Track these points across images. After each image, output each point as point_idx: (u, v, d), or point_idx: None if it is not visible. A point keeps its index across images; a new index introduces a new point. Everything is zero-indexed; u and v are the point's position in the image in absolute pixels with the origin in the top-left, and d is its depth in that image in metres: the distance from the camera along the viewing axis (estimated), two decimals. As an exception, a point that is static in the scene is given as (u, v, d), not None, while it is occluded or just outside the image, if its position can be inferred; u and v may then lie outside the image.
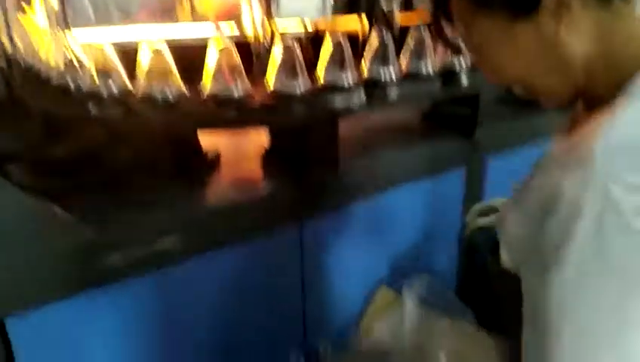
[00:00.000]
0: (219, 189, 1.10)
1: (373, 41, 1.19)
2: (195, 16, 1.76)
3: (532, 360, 0.49)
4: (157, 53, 1.00)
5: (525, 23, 0.55)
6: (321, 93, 1.08)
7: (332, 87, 1.10)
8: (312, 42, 1.35)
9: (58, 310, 0.84)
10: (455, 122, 1.47)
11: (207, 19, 1.37)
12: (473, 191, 1.52)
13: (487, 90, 1.39)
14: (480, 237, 1.41)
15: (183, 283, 0.99)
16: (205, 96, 1.02)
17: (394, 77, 1.18)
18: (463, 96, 1.37)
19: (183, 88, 1.02)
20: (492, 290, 1.28)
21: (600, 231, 0.42)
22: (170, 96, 1.00)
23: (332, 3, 1.63)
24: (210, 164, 1.18)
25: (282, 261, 1.14)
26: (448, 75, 1.31)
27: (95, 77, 1.04)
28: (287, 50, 1.04)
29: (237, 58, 1.02)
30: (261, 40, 1.43)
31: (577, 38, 0.55)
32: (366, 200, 1.25)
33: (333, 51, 1.10)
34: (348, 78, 1.11)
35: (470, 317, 1.19)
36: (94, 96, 1.03)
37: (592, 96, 0.57)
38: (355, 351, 1.18)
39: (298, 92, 1.04)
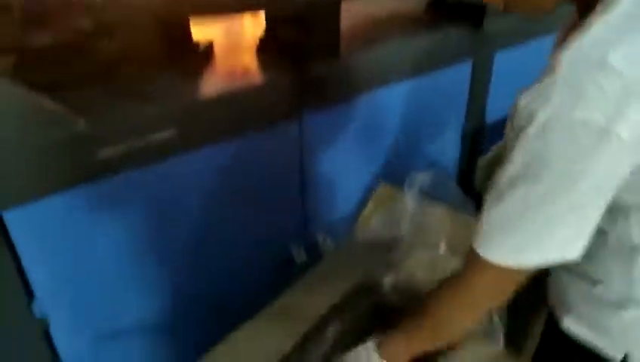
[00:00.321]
0: (213, 80, 1.03)
1: None
2: None
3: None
4: None
5: None
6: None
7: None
8: None
9: (54, 203, 0.82)
10: (462, 11, 1.37)
11: None
12: (479, 85, 1.47)
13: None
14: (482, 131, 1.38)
15: (179, 177, 0.96)
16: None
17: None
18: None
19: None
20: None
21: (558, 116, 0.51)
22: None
23: None
24: (204, 54, 1.10)
25: (281, 155, 1.11)
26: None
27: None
28: None
29: None
30: None
31: None
32: (368, 94, 1.19)
33: None
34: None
35: (472, 208, 1.19)
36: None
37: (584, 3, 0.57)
38: (353, 242, 1.19)
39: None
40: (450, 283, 0.68)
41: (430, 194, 1.17)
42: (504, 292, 0.64)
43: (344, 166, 1.25)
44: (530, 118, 0.52)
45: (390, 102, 1.25)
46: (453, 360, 0.82)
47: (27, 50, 0.97)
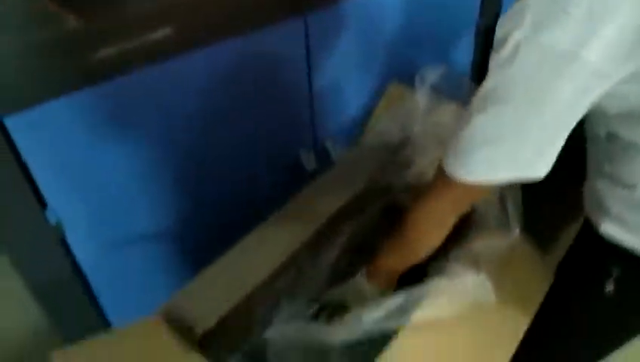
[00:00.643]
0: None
1: None
2: None
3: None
4: None
5: None
6: None
7: None
8: None
9: (55, 108, 0.80)
10: None
11: None
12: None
13: None
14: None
15: (182, 79, 0.92)
16: None
17: None
18: None
19: None
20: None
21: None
22: None
23: None
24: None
25: (286, 55, 1.06)
26: None
27: None
28: None
29: None
30: None
31: None
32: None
33: None
34: None
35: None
36: None
37: None
38: (364, 145, 1.16)
39: None
40: (419, 202, 0.72)
41: (442, 91, 1.12)
42: (467, 206, 0.72)
43: (353, 66, 1.19)
44: (503, 41, 0.55)
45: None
46: (465, 252, 0.82)
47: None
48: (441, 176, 0.64)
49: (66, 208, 0.89)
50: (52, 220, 0.88)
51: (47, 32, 0.76)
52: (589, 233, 0.75)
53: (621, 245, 0.71)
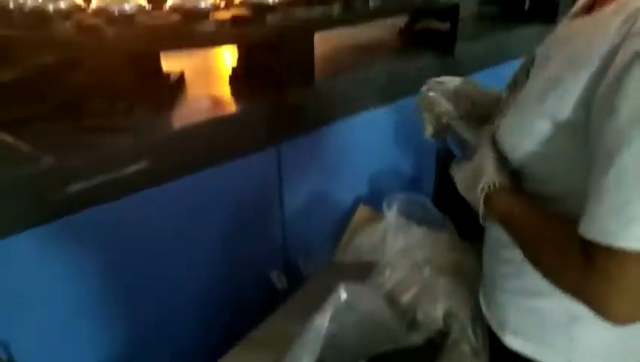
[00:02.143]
0: (185, 111, 1.01)
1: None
2: None
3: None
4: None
5: None
6: (296, 3, 1.00)
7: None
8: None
9: (19, 242, 0.79)
10: (432, 38, 1.41)
11: None
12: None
13: (465, 3, 1.33)
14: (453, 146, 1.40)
15: (154, 209, 0.93)
16: (169, 8, 0.92)
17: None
18: (442, 7, 1.30)
19: (143, 1, 0.92)
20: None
21: None
22: (128, 9, 0.90)
23: None
24: (174, 85, 1.09)
25: (260, 182, 1.10)
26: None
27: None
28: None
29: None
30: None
31: None
32: (344, 119, 1.20)
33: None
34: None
35: (448, 225, 1.20)
36: (39, 13, 0.91)
37: None
38: (334, 265, 1.18)
39: (271, 2, 0.96)
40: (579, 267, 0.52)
41: (408, 215, 1.18)
42: None
43: (323, 190, 1.24)
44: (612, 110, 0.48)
45: (366, 126, 1.26)
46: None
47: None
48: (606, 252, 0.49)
49: (19, 343, 0.84)
50: (2, 356, 0.83)
51: (15, 171, 0.77)
52: (496, 342, 0.74)
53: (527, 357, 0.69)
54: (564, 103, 0.55)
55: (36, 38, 0.90)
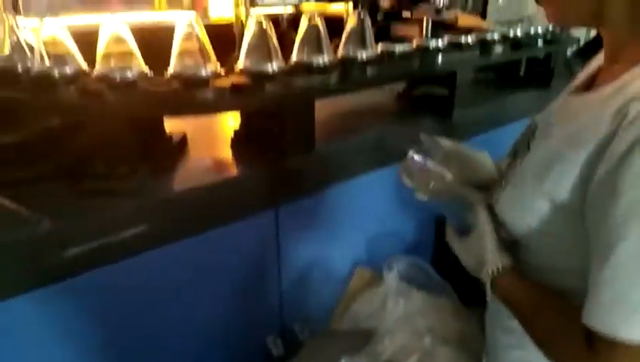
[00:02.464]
0: (186, 174, 1.02)
1: (352, 22, 1.14)
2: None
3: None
4: (115, 35, 0.92)
5: None
6: (296, 72, 1.03)
7: (307, 67, 1.05)
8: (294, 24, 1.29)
9: (17, 305, 0.77)
10: (430, 103, 1.44)
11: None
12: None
13: (462, 70, 1.36)
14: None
15: (153, 271, 0.92)
16: (170, 76, 0.94)
17: (370, 57, 1.13)
18: (440, 74, 1.33)
19: (145, 68, 0.94)
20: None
21: None
22: (130, 76, 0.92)
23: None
24: (176, 147, 1.10)
25: (258, 245, 1.09)
26: (424, 54, 1.28)
27: (46, 59, 0.95)
28: (260, 30, 0.98)
29: (204, 38, 0.95)
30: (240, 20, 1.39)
31: None
32: (343, 183, 1.20)
33: (309, 31, 1.05)
34: (324, 57, 1.06)
35: (449, 291, 1.17)
36: (45, 78, 0.94)
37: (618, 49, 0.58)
38: (332, 330, 1.14)
39: (271, 71, 0.98)
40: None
41: (408, 279, 1.16)
42: None
43: (321, 254, 1.23)
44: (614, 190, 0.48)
45: (364, 190, 1.26)
46: None
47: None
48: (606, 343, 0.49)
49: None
50: None
51: (13, 235, 0.76)
52: None
53: None
54: (562, 185, 0.56)
55: (41, 102, 0.92)
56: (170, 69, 0.94)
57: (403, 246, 1.40)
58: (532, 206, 0.60)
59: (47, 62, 0.95)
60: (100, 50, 0.93)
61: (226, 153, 1.13)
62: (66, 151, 0.99)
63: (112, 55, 0.93)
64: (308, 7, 1.76)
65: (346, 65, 1.12)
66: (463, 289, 1.23)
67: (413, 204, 1.42)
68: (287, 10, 1.71)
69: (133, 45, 0.94)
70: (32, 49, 1.01)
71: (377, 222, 1.34)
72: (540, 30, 1.66)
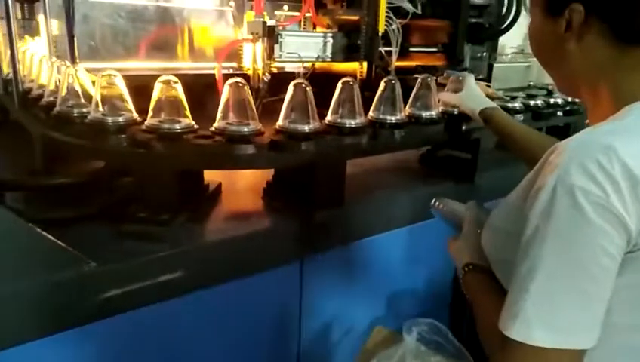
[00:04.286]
0: (219, 224, 1.07)
1: (382, 87, 1.21)
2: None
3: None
4: (167, 85, 0.99)
5: (551, 21, 0.68)
6: (330, 133, 1.09)
7: (340, 128, 1.11)
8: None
9: (50, 345, 0.81)
10: (453, 166, 1.49)
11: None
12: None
13: (486, 137, 1.42)
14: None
15: (183, 316, 0.96)
16: (214, 129, 1.00)
17: (399, 119, 1.20)
18: (465, 140, 1.39)
19: (192, 121, 1.01)
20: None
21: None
22: (178, 127, 0.98)
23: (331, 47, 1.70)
24: (212, 196, 1.16)
25: (281, 297, 1.12)
26: (450, 120, 1.34)
27: (100, 106, 1.02)
28: (300, 89, 1.05)
29: (248, 93, 1.02)
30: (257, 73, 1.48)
31: (583, 55, 0.67)
32: (367, 239, 1.24)
33: (345, 93, 1.12)
34: (357, 119, 1.12)
35: (466, 356, 1.18)
36: (98, 124, 1.01)
37: (599, 117, 0.66)
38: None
39: (307, 130, 1.05)
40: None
41: (426, 342, 1.17)
42: None
43: (341, 309, 1.25)
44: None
45: (386, 247, 1.30)
46: None
47: (41, 188, 1.02)
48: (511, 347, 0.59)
49: None
50: None
51: (63, 274, 0.81)
52: None
53: None
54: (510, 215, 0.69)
55: (93, 148, 0.99)
56: (215, 124, 1.01)
57: (420, 305, 1.41)
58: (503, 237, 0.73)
59: (100, 110, 1.02)
60: (153, 101, 1.00)
61: (258, 204, 1.18)
62: (109, 194, 1.05)
63: (162, 107, 1.00)
64: (322, 65, 1.84)
65: (376, 127, 1.18)
66: (479, 356, 1.23)
67: (431, 264, 1.45)
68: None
69: (182, 97, 1.01)
70: (85, 94, 1.10)
71: (397, 279, 1.36)
72: (559, 100, 1.73)
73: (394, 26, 1.67)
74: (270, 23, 1.54)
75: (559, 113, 1.71)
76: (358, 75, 1.72)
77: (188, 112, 1.01)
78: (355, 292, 1.28)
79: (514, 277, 0.61)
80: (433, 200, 1.01)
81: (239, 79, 1.02)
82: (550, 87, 1.91)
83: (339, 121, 1.12)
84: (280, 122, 1.06)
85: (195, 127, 1.01)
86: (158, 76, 1.00)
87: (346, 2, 1.82)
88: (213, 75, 1.61)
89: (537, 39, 0.74)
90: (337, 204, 1.13)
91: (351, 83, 1.13)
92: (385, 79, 1.22)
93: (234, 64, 1.78)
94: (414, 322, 1.17)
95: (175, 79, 0.99)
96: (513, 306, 0.59)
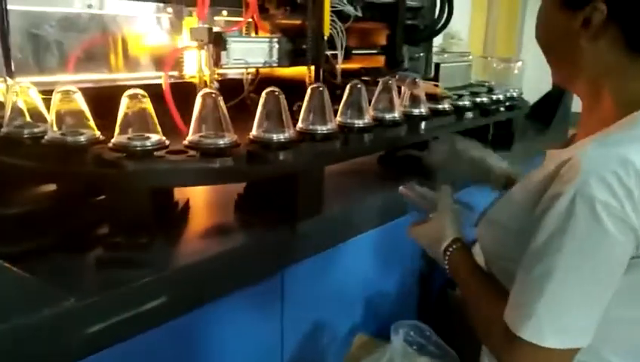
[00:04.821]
0: (198, 242, 1.02)
1: (347, 92, 1.21)
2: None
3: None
4: (134, 99, 0.93)
5: (568, 13, 0.68)
6: (304, 140, 1.07)
7: (312, 135, 1.10)
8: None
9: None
10: (413, 165, 1.52)
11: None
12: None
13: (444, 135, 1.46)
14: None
15: (167, 344, 0.91)
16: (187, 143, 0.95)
17: (367, 123, 1.21)
18: (424, 140, 1.42)
19: (161, 136, 0.95)
20: (452, 320, 1.33)
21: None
22: (149, 144, 0.92)
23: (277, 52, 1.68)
24: (182, 212, 1.10)
25: (263, 310, 1.09)
26: (410, 120, 1.37)
27: (54, 125, 0.93)
28: (273, 98, 1.03)
29: (222, 104, 0.98)
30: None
31: (592, 54, 0.67)
32: (341, 245, 1.24)
33: (313, 100, 1.11)
34: (328, 124, 1.12)
35: (453, 355, 1.21)
36: (55, 146, 0.92)
37: (597, 118, 0.69)
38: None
39: (283, 139, 1.02)
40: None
41: (411, 343, 1.19)
42: None
43: (322, 317, 1.24)
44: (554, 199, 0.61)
45: (359, 250, 1.30)
46: None
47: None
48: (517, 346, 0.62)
49: None
50: None
51: (40, 312, 0.73)
52: None
53: None
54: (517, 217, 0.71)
55: (55, 171, 0.90)
56: (188, 139, 0.96)
57: (394, 306, 1.44)
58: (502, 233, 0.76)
59: (56, 129, 0.94)
60: (119, 117, 0.93)
61: (232, 218, 1.14)
62: (73, 220, 0.97)
63: (130, 123, 0.93)
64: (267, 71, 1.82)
65: (345, 132, 1.18)
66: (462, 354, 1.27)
67: (402, 263, 1.48)
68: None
69: (150, 112, 0.95)
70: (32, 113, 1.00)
71: (371, 282, 1.37)
72: (500, 97, 1.83)
73: (338, 30, 1.69)
74: (216, 29, 1.50)
75: (501, 109, 1.81)
76: (307, 80, 1.72)
77: (158, 127, 0.95)
78: (333, 299, 1.27)
79: (524, 277, 0.63)
80: (401, 187, 1.02)
81: (212, 90, 0.98)
82: (486, 83, 2.03)
83: (311, 127, 1.11)
84: (254, 132, 1.03)
85: (166, 142, 0.95)
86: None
87: (290, 7, 1.81)
88: (154, 85, 1.57)
89: (547, 27, 0.74)
90: (317, 212, 1.11)
91: (320, 89, 1.12)
92: (350, 83, 1.23)
93: (174, 73, 1.72)
94: (399, 324, 1.19)
95: (143, 93, 0.93)
96: (524, 307, 0.62)
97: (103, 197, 0.99)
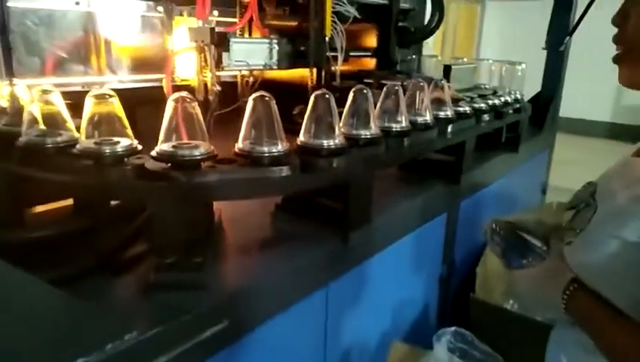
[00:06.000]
0: (243, 260, 0.93)
1: (385, 95, 1.16)
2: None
3: None
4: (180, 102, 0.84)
5: None
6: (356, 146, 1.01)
7: (356, 140, 1.04)
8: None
9: None
10: (435, 169, 1.50)
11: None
12: (450, 233, 1.55)
13: (470, 139, 1.45)
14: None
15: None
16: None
17: (404, 127, 1.16)
18: (452, 144, 1.39)
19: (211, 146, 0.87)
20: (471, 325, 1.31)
21: None
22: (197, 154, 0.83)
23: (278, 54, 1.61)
24: (220, 226, 1.02)
25: (309, 326, 1.03)
26: (439, 123, 1.33)
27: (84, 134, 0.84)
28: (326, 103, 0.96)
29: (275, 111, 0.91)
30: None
31: None
32: (377, 255, 1.18)
33: (355, 104, 1.05)
34: (371, 130, 1.06)
35: (497, 358, 1.18)
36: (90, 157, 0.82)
37: None
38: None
39: (333, 146, 0.96)
40: None
41: (452, 350, 1.16)
42: None
43: (359, 327, 1.18)
44: None
45: (395, 257, 1.26)
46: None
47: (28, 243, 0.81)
48: None
49: None
50: None
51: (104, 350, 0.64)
52: None
53: None
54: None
55: (88, 184, 0.80)
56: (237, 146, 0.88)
57: (423, 312, 1.40)
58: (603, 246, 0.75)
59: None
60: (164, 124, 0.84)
61: (271, 229, 1.06)
62: (108, 239, 0.86)
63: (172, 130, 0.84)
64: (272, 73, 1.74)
65: (386, 137, 1.13)
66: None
67: (429, 268, 1.44)
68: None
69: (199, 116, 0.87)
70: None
71: (402, 289, 1.33)
72: (508, 99, 1.82)
73: (338, 31, 1.64)
74: (218, 29, 1.41)
75: (511, 111, 1.81)
76: (309, 82, 1.66)
77: (206, 134, 0.87)
78: (369, 309, 1.22)
79: None
80: (492, 223, 0.97)
81: (264, 94, 0.90)
82: (486, 85, 2.02)
83: (354, 132, 1.05)
84: (302, 138, 0.96)
85: (215, 151, 0.87)
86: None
87: (289, 7, 1.75)
88: (149, 88, 1.51)
89: None
90: (367, 221, 1.05)
91: (364, 91, 1.06)
92: (386, 87, 1.17)
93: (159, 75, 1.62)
94: (441, 332, 1.15)
95: (190, 96, 0.84)
96: None
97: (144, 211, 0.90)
